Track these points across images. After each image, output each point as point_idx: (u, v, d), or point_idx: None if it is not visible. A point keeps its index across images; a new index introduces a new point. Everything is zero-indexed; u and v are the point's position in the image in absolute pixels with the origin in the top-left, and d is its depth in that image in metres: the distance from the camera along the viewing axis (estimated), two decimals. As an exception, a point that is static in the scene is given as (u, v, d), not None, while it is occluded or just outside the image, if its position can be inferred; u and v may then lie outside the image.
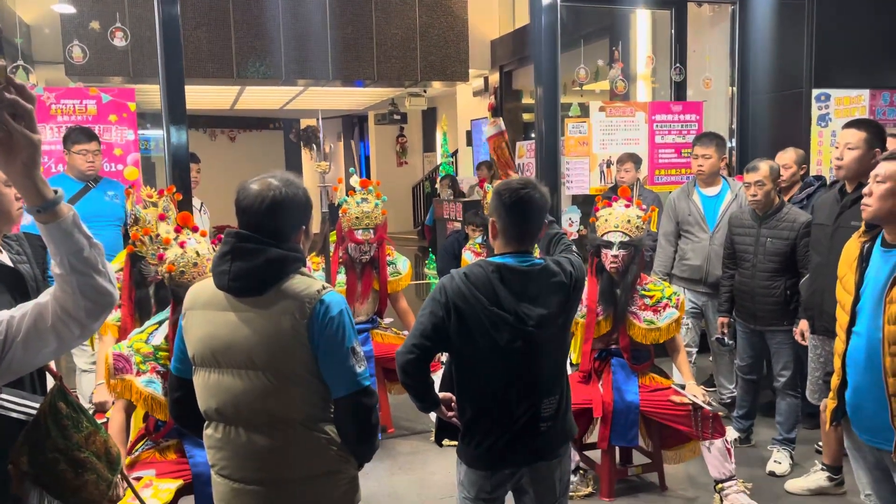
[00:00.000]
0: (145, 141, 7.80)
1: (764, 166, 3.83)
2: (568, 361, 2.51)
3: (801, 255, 3.74)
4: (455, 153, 11.95)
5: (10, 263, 1.92)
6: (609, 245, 3.44)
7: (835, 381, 2.48)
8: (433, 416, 2.41)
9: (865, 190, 2.37)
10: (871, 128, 3.24)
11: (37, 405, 1.68)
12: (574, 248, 2.52)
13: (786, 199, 4.15)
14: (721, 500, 3.45)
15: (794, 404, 3.91)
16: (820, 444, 3.95)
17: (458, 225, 6.88)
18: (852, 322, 2.38)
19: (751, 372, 4.09)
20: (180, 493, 2.68)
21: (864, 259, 2.39)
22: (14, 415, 1.67)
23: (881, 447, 2.33)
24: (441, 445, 2.44)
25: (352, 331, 1.88)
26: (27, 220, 3.52)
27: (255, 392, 1.85)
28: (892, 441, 2.24)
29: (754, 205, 3.88)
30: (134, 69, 6.91)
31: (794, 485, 3.66)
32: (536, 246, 2.49)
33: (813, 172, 5.20)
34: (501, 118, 2.78)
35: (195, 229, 2.73)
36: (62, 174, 4.21)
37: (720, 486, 3.45)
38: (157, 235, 2.98)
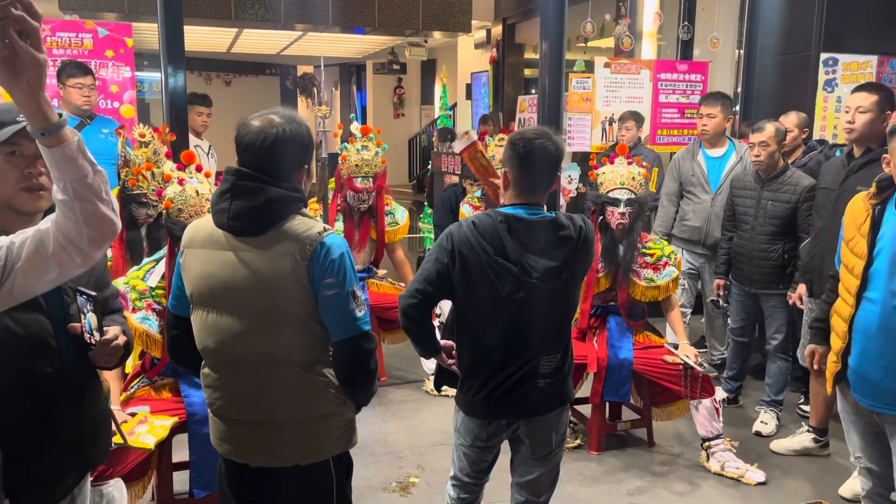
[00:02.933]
0: (139, 83, 7.66)
1: (770, 127, 3.79)
2: None
3: (801, 220, 3.72)
4: (454, 106, 11.81)
5: None
6: (616, 202, 3.41)
7: (838, 343, 2.46)
8: (431, 364, 2.41)
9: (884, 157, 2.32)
10: (883, 91, 3.20)
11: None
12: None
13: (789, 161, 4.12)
14: (707, 458, 3.50)
15: (783, 367, 3.94)
16: (803, 406, 4.00)
17: (455, 178, 6.82)
18: (863, 287, 2.36)
19: (742, 335, 4.11)
20: (174, 431, 2.69)
21: (875, 222, 2.35)
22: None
23: (884, 412, 2.33)
24: (440, 392, 2.45)
25: (353, 274, 1.85)
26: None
27: (253, 333, 1.83)
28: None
29: (757, 166, 3.84)
30: (129, 5, 6.73)
31: (779, 445, 3.72)
32: None
33: (816, 137, 5.16)
34: (473, 131, 2.78)
35: (199, 169, 2.69)
36: (56, 110, 4.12)
37: (707, 444, 3.50)
38: (157, 172, 2.94)
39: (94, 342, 1.70)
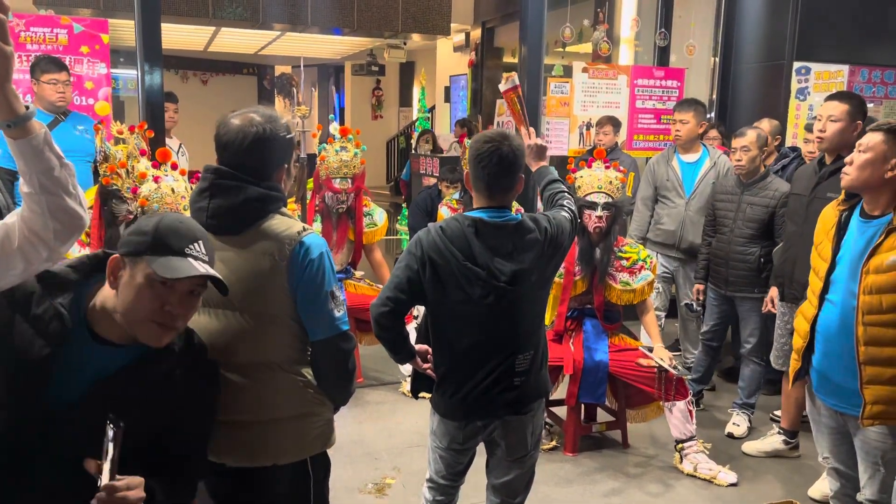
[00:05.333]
0: (115, 80, 7.57)
1: (751, 133, 3.86)
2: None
3: (778, 224, 3.79)
4: (432, 109, 11.82)
5: None
6: (593, 206, 3.44)
7: (799, 342, 2.53)
8: (408, 368, 2.41)
9: (847, 158, 2.40)
10: (854, 101, 3.26)
11: None
12: (567, 203, 2.44)
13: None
14: (681, 459, 3.55)
15: (757, 371, 4.00)
16: (776, 412, 4.06)
17: (432, 180, 6.84)
18: (825, 289, 2.42)
19: (713, 339, 4.16)
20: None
21: (841, 228, 2.42)
22: None
23: (846, 412, 2.39)
24: (416, 397, 2.45)
25: (332, 274, 1.86)
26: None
27: (231, 332, 1.82)
28: (859, 406, 2.30)
29: (738, 170, 3.92)
30: (105, 2, 6.65)
31: (750, 447, 3.77)
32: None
33: (789, 144, 5.25)
34: (515, 73, 2.74)
35: (174, 167, 2.67)
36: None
37: (680, 445, 3.55)
38: (133, 169, 2.91)
39: (100, 483, 1.38)
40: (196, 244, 1.51)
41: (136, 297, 1.44)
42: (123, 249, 1.48)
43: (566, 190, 2.50)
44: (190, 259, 1.47)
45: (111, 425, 1.37)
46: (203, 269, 1.49)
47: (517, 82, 2.62)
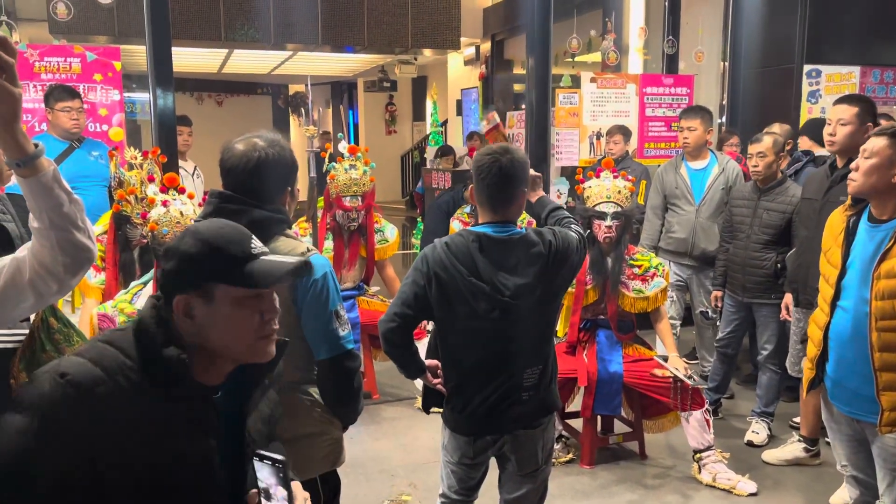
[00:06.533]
0: (130, 104, 7.70)
1: (767, 138, 3.85)
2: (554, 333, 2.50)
3: (795, 230, 3.76)
4: (445, 123, 11.87)
5: None
6: (602, 216, 3.44)
7: (813, 350, 2.50)
8: (420, 383, 2.42)
9: (853, 164, 2.38)
10: (863, 103, 3.24)
11: (26, 331, 1.69)
12: (574, 226, 2.41)
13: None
14: (699, 470, 3.51)
15: (774, 378, 3.95)
16: (795, 419, 4.01)
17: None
18: (836, 296, 2.39)
19: (728, 346, 4.13)
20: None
21: (850, 233, 2.40)
22: (3, 345, 1.68)
23: (863, 419, 2.36)
24: (428, 413, 2.46)
25: (335, 294, 1.87)
26: (10, 182, 3.50)
27: (238, 353, 1.84)
28: (876, 413, 2.27)
29: (755, 176, 3.90)
30: (119, 28, 6.78)
31: (770, 455, 3.73)
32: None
33: (802, 148, 5.21)
34: (494, 111, 2.76)
35: (182, 191, 2.71)
36: (45, 134, 4.13)
37: (699, 455, 3.51)
38: (144, 196, 2.96)
39: None
40: (252, 240, 1.29)
41: (233, 325, 1.23)
42: (183, 287, 1.23)
43: (570, 216, 2.50)
44: (262, 257, 1.26)
45: (266, 463, 1.25)
46: (288, 259, 1.29)
47: (497, 120, 2.64)
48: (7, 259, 1.40)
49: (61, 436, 1.12)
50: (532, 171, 2.43)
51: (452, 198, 5.87)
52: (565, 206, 5.62)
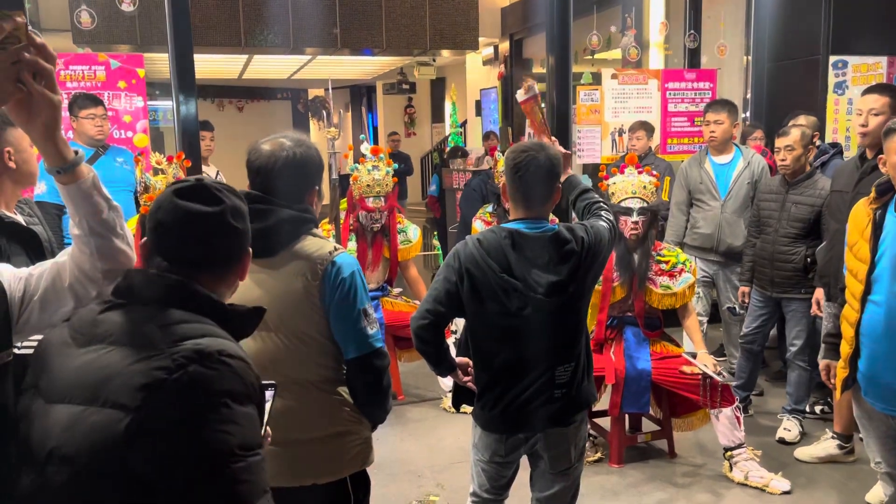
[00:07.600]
0: (153, 112, 7.78)
1: (795, 131, 3.80)
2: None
3: (825, 223, 3.70)
4: (464, 124, 11.86)
5: (24, 223, 1.93)
6: (628, 212, 3.42)
7: (846, 349, 2.45)
8: (449, 382, 2.41)
9: (880, 158, 2.33)
10: (894, 92, 3.18)
11: None
12: (605, 213, 2.38)
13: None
14: (730, 468, 3.46)
15: (803, 375, 3.88)
16: (816, 407, 3.92)
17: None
18: (867, 290, 2.34)
19: (753, 342, 4.06)
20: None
21: (877, 226, 2.34)
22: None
23: None
24: (458, 410, 2.45)
25: (363, 293, 1.87)
26: (40, 190, 3.54)
27: (267, 353, 1.84)
28: None
29: (783, 170, 3.85)
30: (142, 36, 6.85)
31: (803, 452, 3.66)
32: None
33: (829, 140, 5.14)
34: (535, 81, 2.71)
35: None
36: (71, 142, 4.18)
37: (729, 453, 3.46)
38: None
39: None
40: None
41: None
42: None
43: (601, 199, 2.46)
44: None
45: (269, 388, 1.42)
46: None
47: (536, 91, 2.60)
48: (48, 264, 1.41)
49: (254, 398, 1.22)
50: (561, 149, 2.41)
51: (482, 181, 5.93)
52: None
